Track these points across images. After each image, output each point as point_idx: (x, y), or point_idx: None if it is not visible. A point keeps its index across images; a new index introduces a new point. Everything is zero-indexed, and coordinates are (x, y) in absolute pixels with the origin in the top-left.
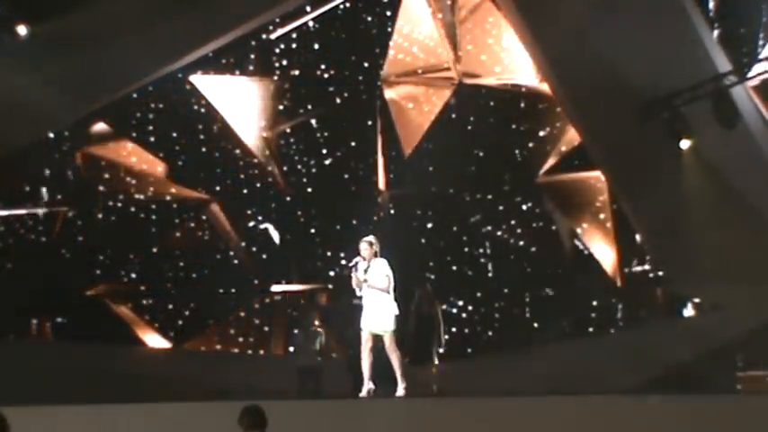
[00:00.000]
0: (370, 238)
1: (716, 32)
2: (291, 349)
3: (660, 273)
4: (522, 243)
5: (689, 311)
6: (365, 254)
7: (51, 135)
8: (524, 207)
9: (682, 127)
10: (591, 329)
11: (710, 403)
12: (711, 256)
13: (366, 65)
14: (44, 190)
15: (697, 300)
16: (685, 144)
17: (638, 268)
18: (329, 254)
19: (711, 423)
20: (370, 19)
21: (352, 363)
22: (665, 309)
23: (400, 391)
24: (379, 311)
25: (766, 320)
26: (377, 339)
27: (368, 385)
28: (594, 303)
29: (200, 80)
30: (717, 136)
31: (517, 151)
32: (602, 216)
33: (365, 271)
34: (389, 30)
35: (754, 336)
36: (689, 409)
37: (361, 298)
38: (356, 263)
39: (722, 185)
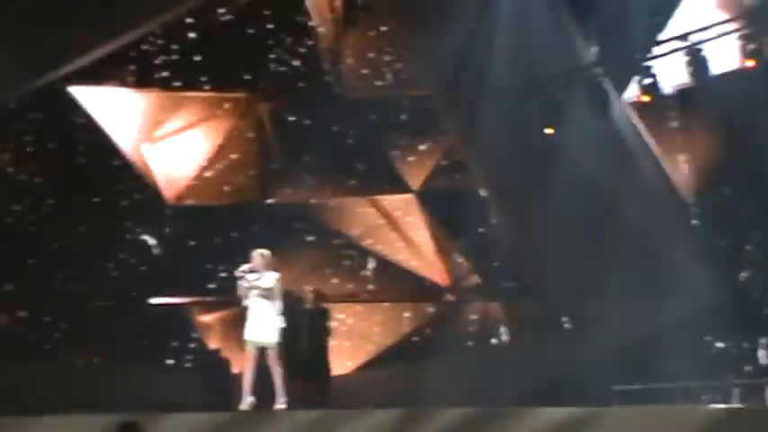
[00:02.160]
0: (263, 250)
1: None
2: None
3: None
4: (402, 256)
5: (566, 325)
6: (257, 264)
7: None
8: (405, 220)
9: (553, 113)
10: (471, 343)
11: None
12: (586, 269)
13: (247, 77)
14: None
15: (573, 313)
16: (552, 131)
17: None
18: (208, 266)
19: None
20: (251, 31)
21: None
22: (544, 322)
23: (280, 405)
24: (264, 323)
25: (641, 335)
26: (261, 352)
27: (247, 398)
28: (473, 317)
29: (79, 91)
30: (587, 125)
31: (397, 164)
32: (481, 230)
33: (256, 281)
34: (271, 42)
35: (629, 349)
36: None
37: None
38: (245, 270)
39: (594, 187)
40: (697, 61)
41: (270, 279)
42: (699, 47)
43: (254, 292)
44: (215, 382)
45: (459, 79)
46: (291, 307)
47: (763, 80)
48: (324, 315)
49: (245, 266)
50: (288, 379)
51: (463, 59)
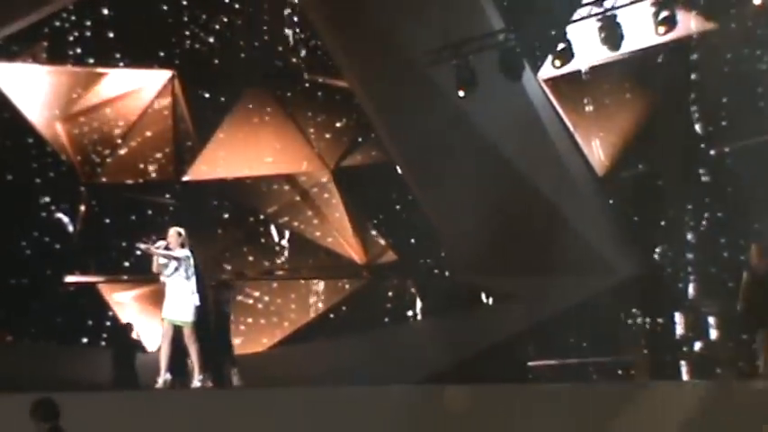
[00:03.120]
0: (178, 228)
1: None
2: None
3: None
4: (318, 234)
5: (481, 302)
6: (172, 242)
7: None
8: (320, 197)
9: (467, 75)
10: (387, 320)
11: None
12: (502, 244)
13: (162, 54)
14: None
15: (490, 289)
16: (464, 93)
17: (436, 259)
18: (124, 244)
19: (504, 410)
20: (165, 8)
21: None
22: (460, 299)
23: (196, 382)
24: (179, 301)
25: (556, 311)
26: (177, 330)
27: (164, 376)
28: (391, 294)
29: None
30: (501, 96)
31: (313, 142)
32: (398, 207)
33: (170, 258)
34: (185, 19)
35: (544, 326)
36: (485, 397)
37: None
38: (159, 248)
39: (509, 163)
40: (611, 29)
41: (184, 257)
42: (613, 14)
43: (169, 269)
44: (130, 360)
45: (371, 49)
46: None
47: (677, 55)
48: (227, 290)
49: (159, 243)
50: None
51: (373, 27)
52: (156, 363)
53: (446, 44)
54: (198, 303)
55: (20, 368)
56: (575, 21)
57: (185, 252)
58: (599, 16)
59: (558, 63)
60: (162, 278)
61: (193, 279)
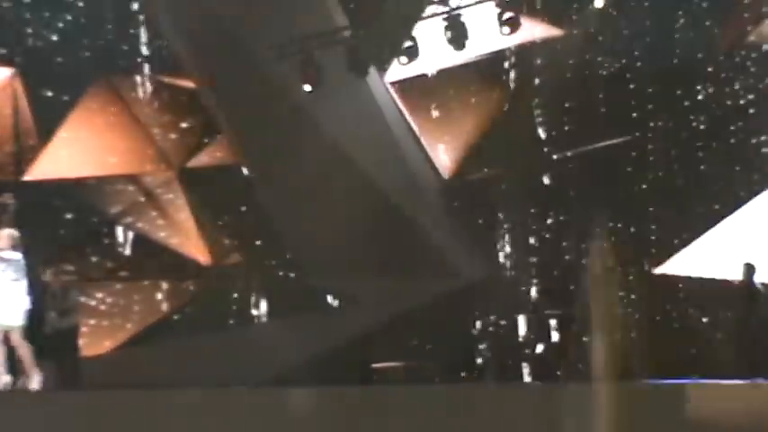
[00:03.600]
0: (10, 230)
1: None
2: None
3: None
4: (163, 234)
5: (327, 304)
6: (3, 244)
7: None
8: (165, 198)
9: (312, 71)
10: (233, 322)
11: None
12: (348, 246)
13: (2, 51)
14: None
15: (336, 291)
16: (308, 88)
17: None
18: None
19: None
20: (7, 5)
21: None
22: (307, 301)
23: (35, 383)
24: (7, 305)
25: (401, 313)
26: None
27: (37, 375)
28: (236, 296)
29: None
30: (346, 96)
31: (159, 142)
32: (243, 208)
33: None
34: (28, 16)
35: (389, 327)
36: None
37: None
38: None
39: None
40: (456, 29)
41: (14, 259)
42: (458, 13)
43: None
44: None
45: (215, 47)
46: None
47: (522, 60)
48: (68, 292)
49: None
50: (39, 359)
51: (217, 25)
52: None
53: (291, 39)
54: (29, 306)
55: None
56: (420, 19)
57: (15, 254)
58: (445, 16)
59: (404, 60)
60: None
61: (23, 282)
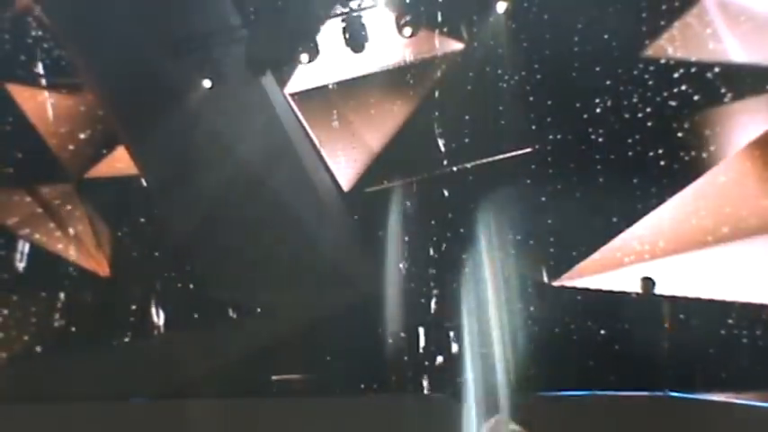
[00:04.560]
0: None
1: None
2: None
3: (198, 276)
4: (60, 246)
5: (226, 316)
6: None
7: None
8: (64, 209)
9: (210, 68)
10: (129, 334)
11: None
12: (246, 257)
13: None
14: None
15: (235, 303)
16: (208, 83)
17: (179, 273)
18: None
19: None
20: None
21: None
22: (204, 313)
23: None
24: None
25: (301, 325)
26: None
27: None
28: (134, 308)
29: None
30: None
31: (57, 153)
32: (142, 219)
33: None
34: None
35: (289, 340)
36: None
37: None
38: None
39: (253, 176)
40: (355, 30)
41: None
42: (359, 15)
43: None
44: None
45: (109, 54)
46: None
47: (422, 74)
48: None
49: None
50: None
51: (109, 31)
52: None
53: (187, 37)
54: None
55: None
56: (320, 20)
57: None
58: (344, 17)
59: (304, 58)
60: None
61: None
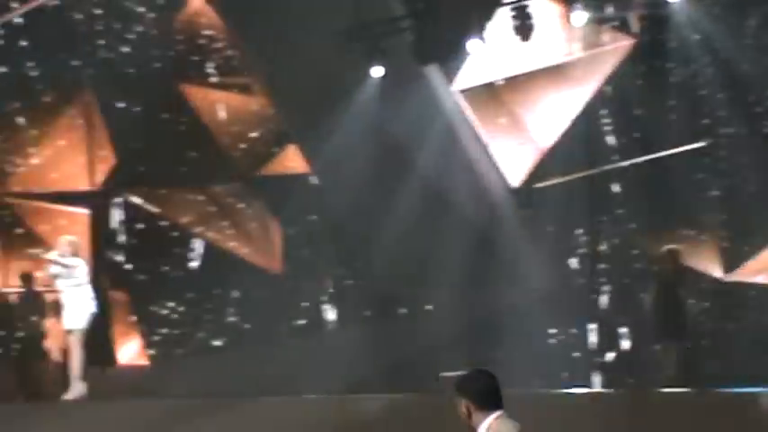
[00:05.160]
0: (72, 237)
1: None
2: None
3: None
4: (233, 244)
5: (396, 312)
6: (64, 250)
7: None
8: (236, 208)
9: (377, 57)
10: (303, 331)
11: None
12: (416, 255)
13: (75, 63)
14: None
15: (405, 300)
16: (377, 71)
17: (351, 270)
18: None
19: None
20: (78, 16)
21: None
22: (376, 310)
23: (73, 394)
24: (74, 310)
25: (470, 322)
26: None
27: (80, 385)
28: (306, 305)
29: None
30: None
31: (229, 152)
32: (314, 217)
33: (63, 267)
34: (99, 28)
35: (459, 337)
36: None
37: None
38: (54, 256)
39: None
40: (522, 19)
41: (78, 265)
42: (524, 4)
43: (62, 279)
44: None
45: (279, 54)
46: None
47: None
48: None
49: (53, 252)
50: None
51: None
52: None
53: (354, 28)
54: (95, 311)
55: None
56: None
57: (78, 260)
58: (512, 5)
59: (473, 48)
60: (57, 287)
61: (87, 287)
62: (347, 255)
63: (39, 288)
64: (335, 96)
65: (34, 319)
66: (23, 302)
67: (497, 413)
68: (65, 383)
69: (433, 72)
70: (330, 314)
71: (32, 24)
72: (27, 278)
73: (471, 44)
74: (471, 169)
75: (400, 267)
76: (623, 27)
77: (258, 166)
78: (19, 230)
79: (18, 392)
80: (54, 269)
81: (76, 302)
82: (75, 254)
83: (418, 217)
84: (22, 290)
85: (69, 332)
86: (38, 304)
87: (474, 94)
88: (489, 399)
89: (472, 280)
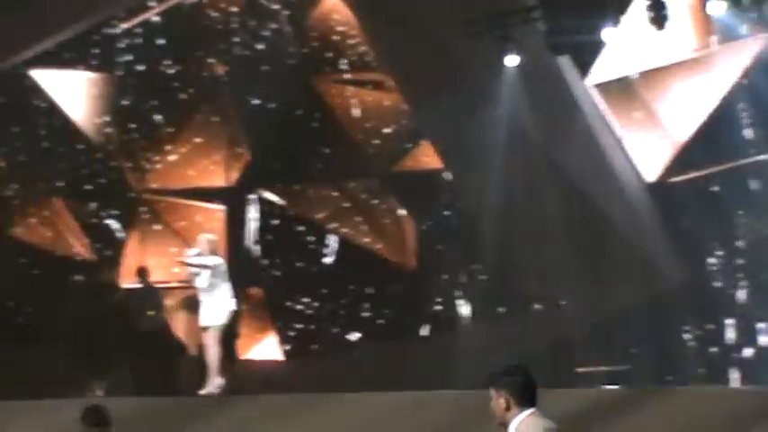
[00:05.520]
0: (211, 236)
1: None
2: None
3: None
4: (367, 240)
5: (532, 307)
6: (203, 249)
7: None
8: (370, 203)
9: (511, 48)
10: (436, 326)
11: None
12: (550, 250)
13: (210, 61)
14: None
15: (540, 295)
16: (512, 60)
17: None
18: (174, 250)
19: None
20: (214, 14)
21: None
22: (509, 305)
23: (210, 389)
24: (214, 307)
25: (605, 317)
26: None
27: (218, 381)
28: (440, 300)
29: (41, 75)
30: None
31: (363, 148)
32: (447, 212)
33: (202, 266)
34: (235, 26)
35: (594, 332)
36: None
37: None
38: (192, 255)
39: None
40: (656, 8)
41: (217, 263)
42: None
43: (202, 277)
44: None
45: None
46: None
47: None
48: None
49: (192, 252)
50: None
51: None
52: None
53: (489, 15)
54: (234, 308)
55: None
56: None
57: (218, 259)
58: None
59: (606, 37)
60: (196, 285)
61: (227, 284)
62: (481, 250)
63: (163, 284)
64: (468, 90)
65: (151, 313)
66: (140, 297)
67: (531, 410)
68: (202, 379)
69: (566, 64)
70: (464, 310)
71: (169, 23)
72: (143, 273)
73: (606, 33)
74: (606, 163)
75: (534, 262)
76: (761, 19)
77: (392, 161)
78: (157, 227)
79: (154, 388)
80: (193, 267)
81: (216, 300)
82: (213, 252)
83: (552, 212)
84: (140, 285)
85: (207, 329)
86: (155, 299)
87: (608, 87)
88: (528, 395)
89: (606, 275)
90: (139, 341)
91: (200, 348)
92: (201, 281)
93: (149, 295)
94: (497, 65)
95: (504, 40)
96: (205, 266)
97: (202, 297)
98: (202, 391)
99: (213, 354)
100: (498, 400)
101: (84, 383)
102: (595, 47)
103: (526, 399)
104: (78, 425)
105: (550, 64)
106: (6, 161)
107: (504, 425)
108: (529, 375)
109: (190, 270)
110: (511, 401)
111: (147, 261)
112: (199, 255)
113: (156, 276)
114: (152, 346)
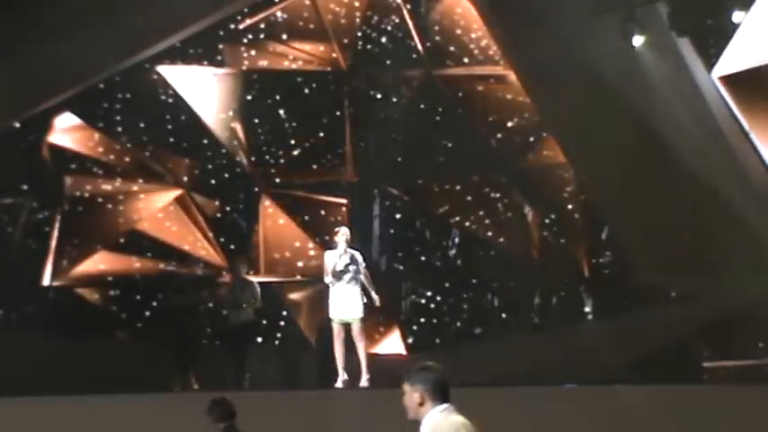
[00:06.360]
0: (346, 229)
1: None
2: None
3: (626, 262)
4: (489, 234)
5: (656, 301)
6: (343, 241)
7: (17, 125)
8: (492, 197)
9: (635, 27)
10: (558, 320)
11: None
12: (675, 243)
13: (334, 55)
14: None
15: (664, 289)
16: (638, 41)
17: (607, 259)
18: (298, 244)
19: (678, 412)
20: (336, 9)
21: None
22: (633, 299)
23: (364, 382)
24: (349, 301)
25: (732, 311)
26: (348, 329)
27: (342, 376)
28: (562, 294)
29: (167, 70)
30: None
31: (485, 142)
32: (569, 206)
33: (346, 260)
34: (357, 20)
35: (720, 326)
36: (659, 398)
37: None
38: (333, 249)
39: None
40: None
41: (357, 257)
42: None
43: (348, 274)
44: (299, 359)
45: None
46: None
47: None
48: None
49: (336, 252)
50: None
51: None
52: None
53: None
54: (366, 301)
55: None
56: None
57: (356, 253)
58: None
59: (737, 18)
60: (326, 280)
61: (361, 277)
62: (603, 243)
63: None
64: (591, 82)
65: (245, 306)
66: (232, 290)
67: (445, 405)
68: (324, 372)
69: (690, 52)
70: (587, 303)
71: (292, 18)
72: (237, 265)
73: (736, 16)
74: (733, 158)
75: (658, 255)
76: None
77: (515, 155)
78: (281, 221)
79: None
80: (339, 267)
81: (352, 294)
82: (349, 243)
83: (676, 204)
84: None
85: (347, 324)
86: (249, 292)
87: (735, 80)
88: (442, 390)
89: (731, 268)
90: (232, 334)
91: (330, 342)
92: (349, 276)
93: (245, 288)
94: (622, 55)
95: (626, 23)
96: (357, 263)
97: (347, 291)
98: (363, 382)
99: (364, 346)
100: (412, 396)
101: (181, 377)
102: (722, 31)
103: (440, 394)
104: (206, 417)
105: (674, 49)
106: (133, 156)
107: (418, 420)
108: (442, 372)
109: (336, 268)
110: (425, 397)
111: (271, 256)
112: (344, 253)
113: (279, 271)
114: (244, 340)
